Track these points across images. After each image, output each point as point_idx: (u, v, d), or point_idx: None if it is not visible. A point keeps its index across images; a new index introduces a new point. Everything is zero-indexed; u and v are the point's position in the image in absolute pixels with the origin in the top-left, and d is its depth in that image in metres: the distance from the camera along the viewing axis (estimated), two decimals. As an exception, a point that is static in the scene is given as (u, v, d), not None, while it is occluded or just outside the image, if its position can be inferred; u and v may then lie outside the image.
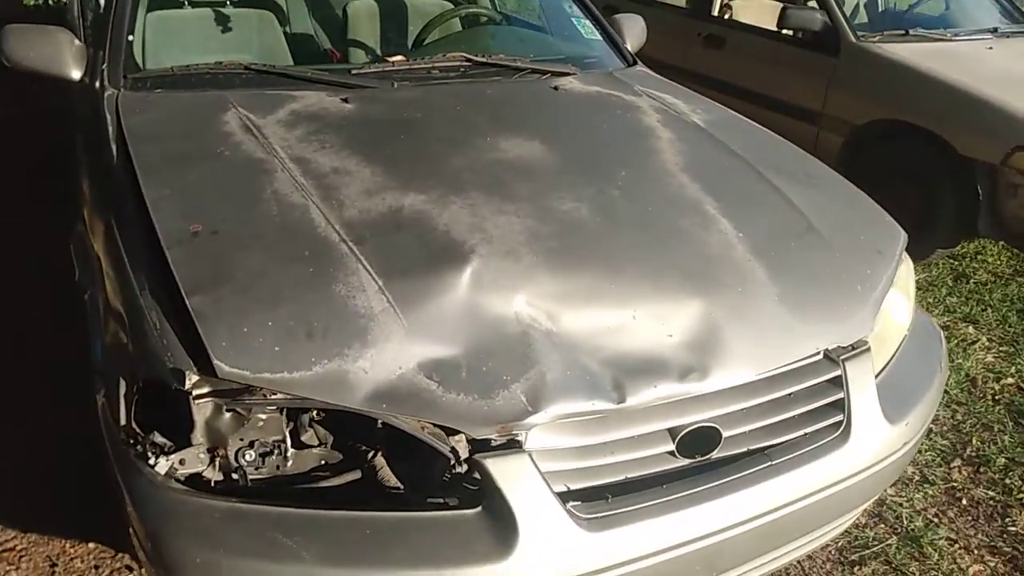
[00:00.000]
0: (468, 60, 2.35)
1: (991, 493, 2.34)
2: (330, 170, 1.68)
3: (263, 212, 1.54)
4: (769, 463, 1.44)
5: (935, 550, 2.11)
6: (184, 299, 1.32)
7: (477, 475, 1.34)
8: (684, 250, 1.61)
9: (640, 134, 2.05)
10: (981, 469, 2.44)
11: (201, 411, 1.32)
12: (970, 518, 2.25)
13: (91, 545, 2.00)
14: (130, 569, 1.95)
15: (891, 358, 1.72)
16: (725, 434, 1.44)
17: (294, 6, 3.14)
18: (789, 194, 1.84)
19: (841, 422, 1.53)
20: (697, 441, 1.43)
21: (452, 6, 3.09)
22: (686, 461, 1.44)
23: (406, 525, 1.26)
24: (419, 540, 1.24)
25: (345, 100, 2.02)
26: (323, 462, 1.42)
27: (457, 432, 1.33)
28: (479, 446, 1.32)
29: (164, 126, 1.85)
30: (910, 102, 3.56)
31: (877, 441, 1.55)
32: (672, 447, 1.42)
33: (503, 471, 1.27)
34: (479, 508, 1.27)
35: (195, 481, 1.33)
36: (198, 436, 1.33)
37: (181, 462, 1.32)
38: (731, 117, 2.32)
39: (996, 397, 2.80)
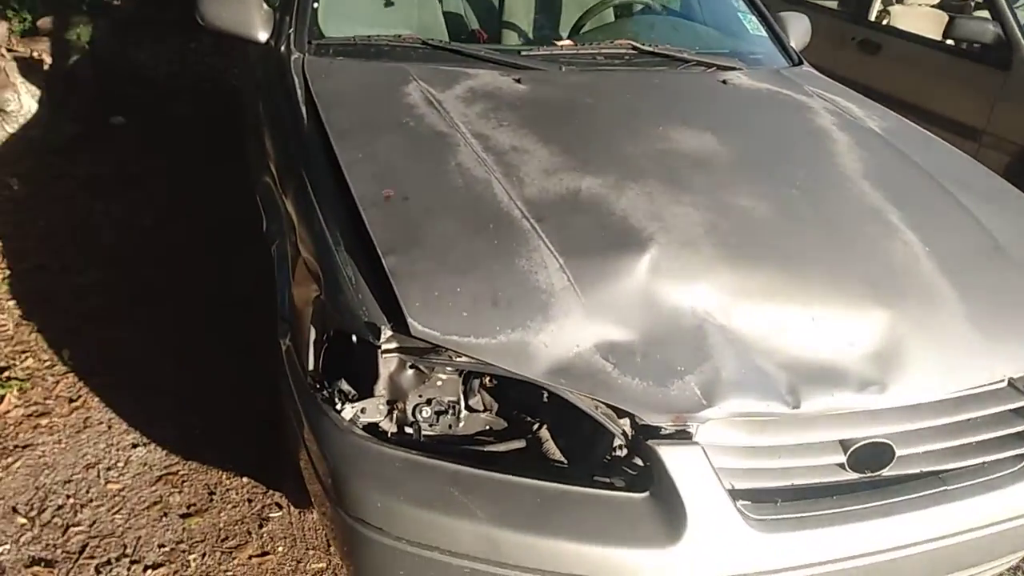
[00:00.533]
0: (634, 48, 2.35)
1: None
2: (509, 147, 1.73)
3: (449, 183, 1.59)
4: (943, 488, 1.40)
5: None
6: (380, 258, 1.39)
7: (640, 460, 1.36)
8: (868, 258, 1.56)
9: (815, 135, 2.00)
10: None
11: (386, 365, 1.39)
12: None
13: (245, 479, 2.14)
14: (279, 506, 2.08)
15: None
16: (899, 452, 1.40)
17: None
18: (975, 211, 1.76)
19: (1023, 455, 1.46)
20: (869, 456, 1.39)
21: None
22: (855, 475, 1.41)
23: (574, 499, 1.29)
24: (586, 515, 1.27)
25: (518, 81, 2.06)
26: (488, 427, 1.47)
27: (624, 415, 1.35)
28: (647, 432, 1.33)
29: (350, 93, 1.94)
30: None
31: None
32: (843, 459, 1.39)
33: (675, 460, 1.28)
34: (647, 493, 1.29)
35: (372, 429, 1.41)
36: (380, 388, 1.40)
37: (363, 411, 1.40)
38: (907, 126, 2.23)
39: None
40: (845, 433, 1.40)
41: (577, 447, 1.44)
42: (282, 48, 2.18)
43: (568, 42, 2.33)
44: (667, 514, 1.27)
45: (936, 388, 1.41)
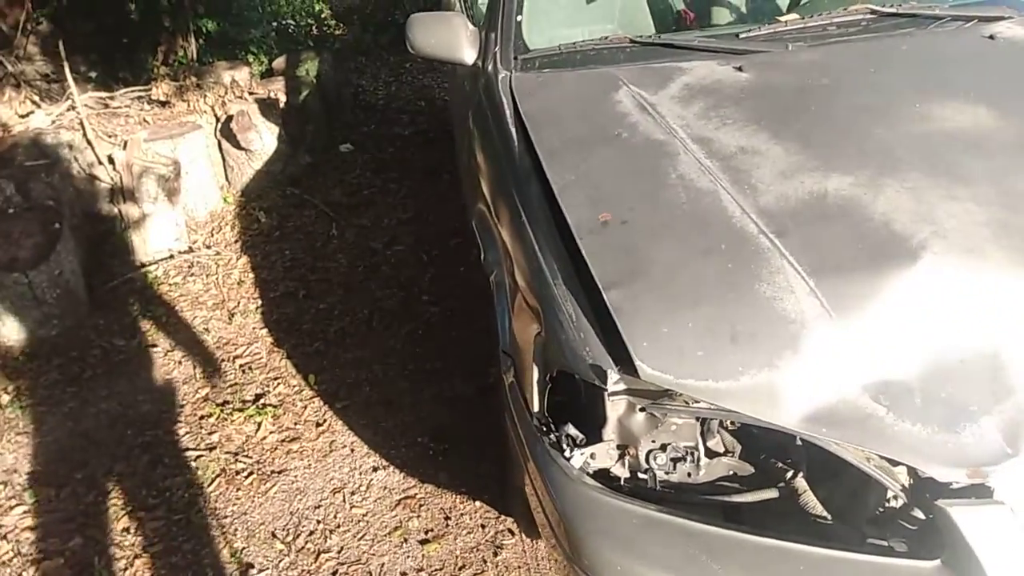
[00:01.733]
0: (873, 11, 2.03)
1: None
2: (736, 149, 1.54)
3: (671, 199, 1.44)
4: None
5: None
6: (601, 293, 1.28)
7: (920, 515, 1.14)
8: None
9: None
10: None
11: (615, 408, 1.28)
12: None
13: (478, 504, 2.14)
14: (512, 533, 2.05)
15: None
16: None
17: None
18: None
19: None
20: None
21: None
22: None
23: (848, 567, 1.10)
24: (863, 587, 1.08)
25: (739, 68, 1.85)
26: (732, 472, 1.31)
27: (902, 465, 1.13)
28: (933, 488, 1.11)
29: (559, 108, 1.84)
30: None
31: None
32: None
33: (973, 523, 1.05)
34: (938, 561, 1.07)
35: (603, 476, 1.30)
36: (609, 432, 1.30)
37: (592, 456, 1.30)
38: None
39: None
40: None
41: (842, 498, 1.24)
42: (489, 67, 2.13)
43: (793, 16, 2.06)
44: (968, 589, 1.04)
45: None
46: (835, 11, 2.05)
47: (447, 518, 2.12)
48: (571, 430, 1.31)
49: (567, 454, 1.29)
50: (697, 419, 1.25)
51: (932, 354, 1.15)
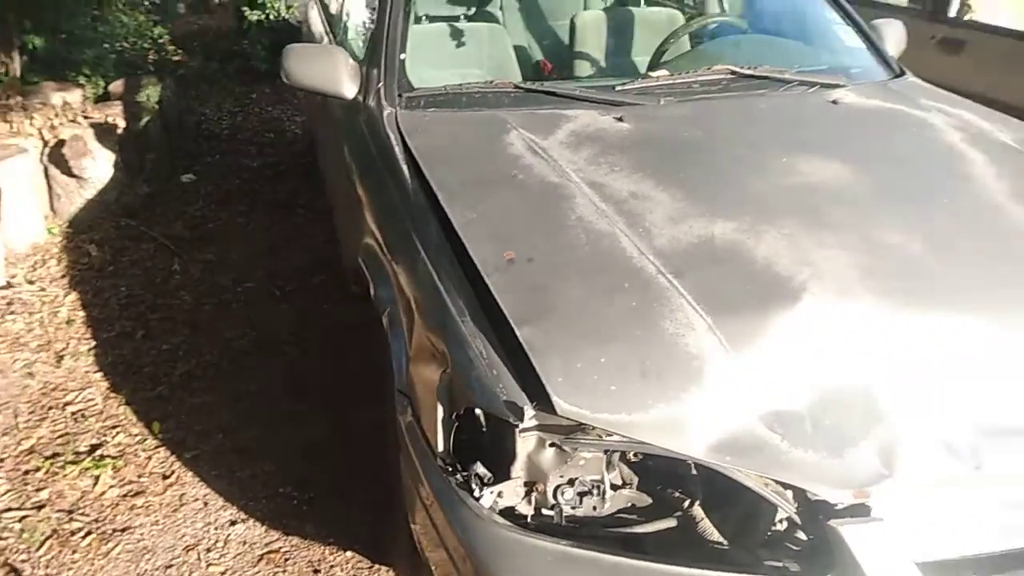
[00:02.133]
0: (733, 72, 2.22)
1: None
2: (628, 195, 1.61)
3: (572, 240, 1.48)
4: None
5: None
6: (513, 329, 1.28)
7: (804, 535, 1.22)
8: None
9: (949, 155, 1.84)
10: None
11: (525, 445, 1.27)
12: None
13: (348, 554, 2.03)
14: (388, 582, 1.97)
15: None
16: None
17: (511, 19, 3.15)
18: None
19: None
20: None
21: (682, 15, 2.98)
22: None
23: (752, 591, 1.15)
24: (767, 609, 1.13)
25: (619, 119, 1.95)
26: (631, 504, 1.34)
27: (790, 487, 1.21)
28: (820, 508, 1.19)
29: (451, 148, 1.85)
30: None
31: None
32: (1031, 521, 1.23)
33: (860, 539, 1.14)
34: (829, 578, 1.14)
35: (508, 514, 1.29)
36: (518, 469, 1.29)
37: (500, 495, 1.28)
38: (1044, 137, 2.05)
39: None
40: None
41: (734, 523, 1.30)
42: (371, 103, 2.10)
43: (663, 72, 2.21)
44: (856, 603, 1.12)
45: None
46: (700, 70, 2.22)
47: (315, 571, 1.99)
48: (479, 469, 1.29)
49: (476, 494, 1.27)
50: (604, 452, 1.27)
51: (816, 385, 1.24)
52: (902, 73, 2.45)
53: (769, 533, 1.28)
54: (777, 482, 1.21)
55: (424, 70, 2.29)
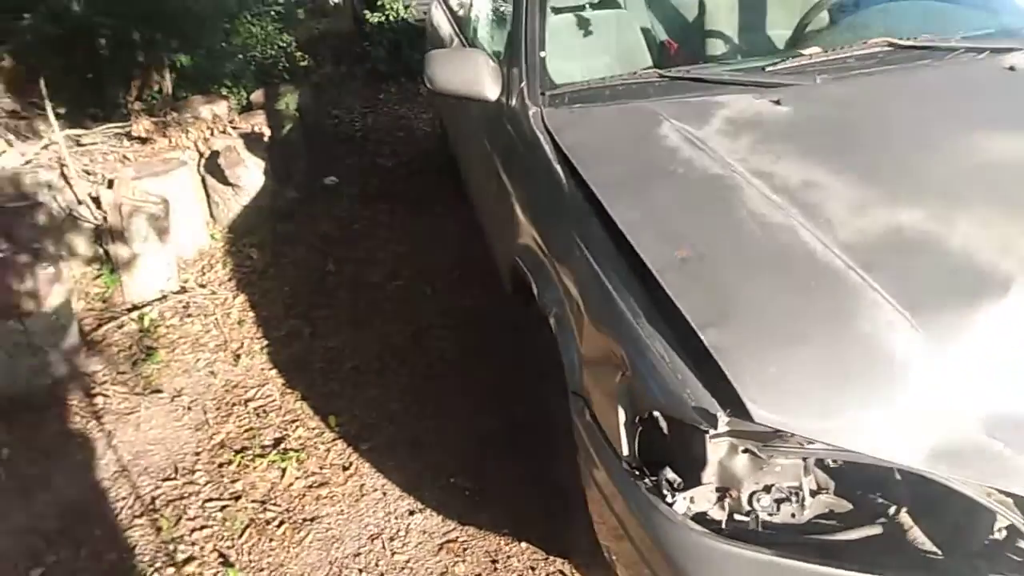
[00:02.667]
0: (891, 44, 2.09)
1: None
2: (800, 183, 1.55)
3: (746, 234, 1.44)
4: None
5: None
6: (696, 332, 1.27)
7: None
8: None
9: None
10: None
11: (716, 450, 1.26)
12: None
13: (523, 545, 2.10)
14: (563, 575, 2.01)
15: None
16: None
17: (632, 2, 3.07)
18: None
19: None
20: None
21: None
22: None
23: (974, 603, 1.10)
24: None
25: (776, 102, 1.88)
26: (829, 510, 1.31)
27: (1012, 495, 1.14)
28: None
29: (603, 144, 1.84)
30: None
31: None
32: None
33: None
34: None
35: (701, 520, 1.29)
36: (709, 475, 1.28)
37: (692, 500, 1.28)
38: None
39: None
40: None
41: (946, 532, 1.24)
42: (514, 103, 2.13)
43: (815, 49, 2.11)
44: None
45: None
46: (855, 44, 2.10)
47: (494, 561, 2.07)
48: (669, 474, 1.29)
49: (669, 499, 1.27)
50: (803, 459, 1.25)
51: (1036, 384, 1.17)
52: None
53: (987, 542, 1.22)
54: (999, 490, 1.14)
55: (558, 63, 2.28)
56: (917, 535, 1.24)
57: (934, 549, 1.23)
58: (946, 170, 1.55)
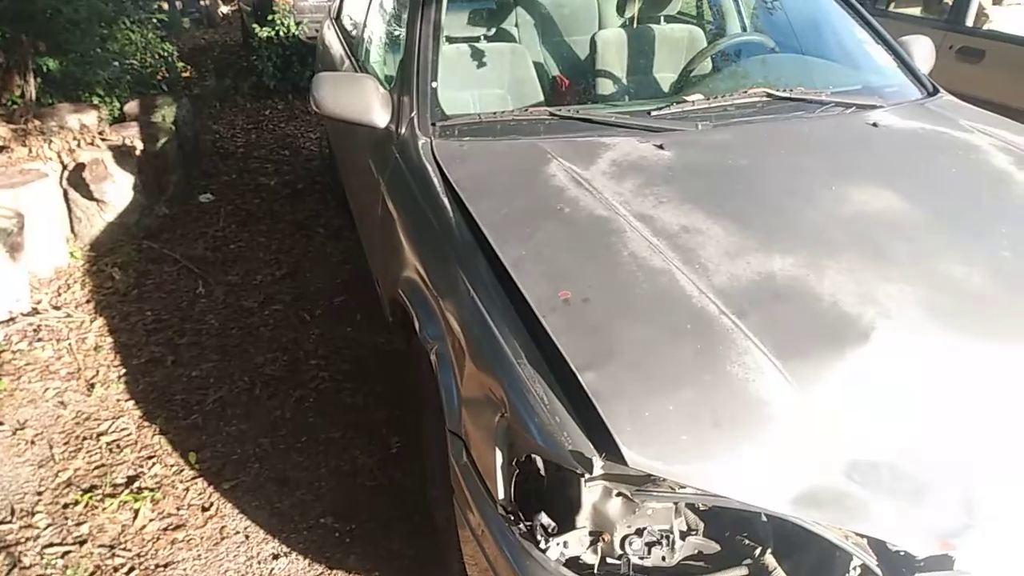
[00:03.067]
0: (768, 95, 2.20)
1: None
2: (679, 228, 1.59)
3: (627, 278, 1.45)
4: None
5: None
6: (574, 374, 1.25)
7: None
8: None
9: (999, 180, 1.82)
10: None
11: (591, 494, 1.25)
12: None
13: (395, 590, 2.01)
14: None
15: None
16: None
17: (526, 36, 3.12)
18: None
19: None
20: None
21: (703, 32, 2.95)
22: None
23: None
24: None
25: (660, 147, 1.93)
26: (698, 551, 1.32)
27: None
28: (901, 561, 1.16)
29: (491, 179, 1.82)
30: None
31: None
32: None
33: (947, 594, 1.11)
34: (913, 634, 1.12)
35: (572, 565, 1.26)
36: (583, 519, 1.26)
37: (565, 545, 1.26)
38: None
39: None
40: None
41: (808, 572, 1.27)
42: (404, 132, 2.09)
43: (698, 96, 2.18)
44: (943, 659, 1.10)
45: None
46: (735, 92, 2.19)
47: (362, 607, 1.98)
48: (544, 519, 1.27)
49: (542, 545, 1.24)
50: (674, 503, 1.25)
51: (893, 432, 1.22)
52: (936, 91, 2.42)
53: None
54: (857, 533, 1.18)
55: (450, 92, 2.27)
56: (780, 575, 1.25)
57: (797, 591, 1.25)
58: (817, 218, 1.62)
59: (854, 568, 1.25)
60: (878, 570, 1.16)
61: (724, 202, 1.68)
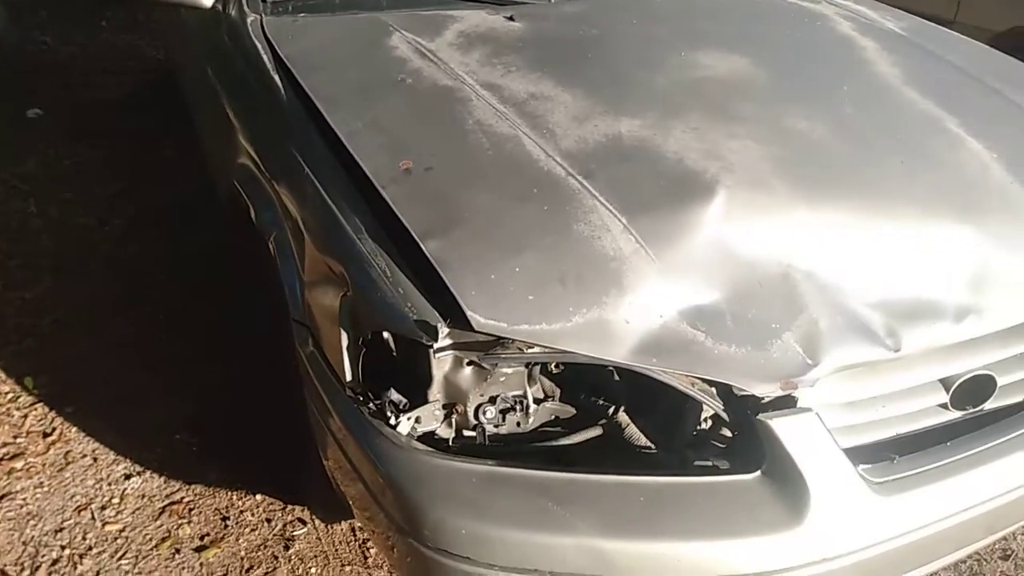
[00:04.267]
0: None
1: None
2: (527, 96, 1.51)
3: (473, 145, 1.38)
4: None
5: None
6: (418, 244, 1.18)
7: (729, 432, 1.22)
8: (939, 173, 1.43)
9: (842, 44, 1.84)
10: None
11: (440, 366, 1.19)
12: None
13: (259, 497, 1.94)
14: (303, 522, 1.89)
15: None
16: (1000, 382, 1.29)
17: None
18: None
19: None
20: (971, 391, 1.28)
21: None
22: (958, 414, 1.30)
23: (681, 491, 1.13)
24: (698, 508, 1.12)
25: (510, 18, 1.83)
26: (554, 417, 1.30)
27: (717, 384, 1.19)
28: (748, 403, 1.18)
29: (327, 54, 1.69)
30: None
31: None
32: (945, 398, 1.28)
33: (790, 431, 1.13)
34: (758, 472, 1.14)
35: (428, 439, 1.22)
36: (435, 392, 1.22)
37: (417, 420, 1.21)
38: (923, 24, 2.09)
39: None
40: (945, 370, 1.28)
41: (660, 427, 1.28)
42: (232, 12, 1.89)
43: (551, -31, 2.08)
44: (787, 492, 1.13)
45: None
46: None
47: (224, 519, 1.89)
48: (394, 395, 1.21)
49: (392, 422, 1.19)
50: (525, 366, 1.22)
51: (735, 278, 1.21)
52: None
53: (695, 433, 1.27)
54: (703, 380, 1.18)
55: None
56: (634, 432, 1.26)
57: (649, 444, 1.26)
58: (665, 83, 1.59)
59: (704, 420, 1.26)
60: (725, 415, 1.17)
61: (574, 70, 1.62)
